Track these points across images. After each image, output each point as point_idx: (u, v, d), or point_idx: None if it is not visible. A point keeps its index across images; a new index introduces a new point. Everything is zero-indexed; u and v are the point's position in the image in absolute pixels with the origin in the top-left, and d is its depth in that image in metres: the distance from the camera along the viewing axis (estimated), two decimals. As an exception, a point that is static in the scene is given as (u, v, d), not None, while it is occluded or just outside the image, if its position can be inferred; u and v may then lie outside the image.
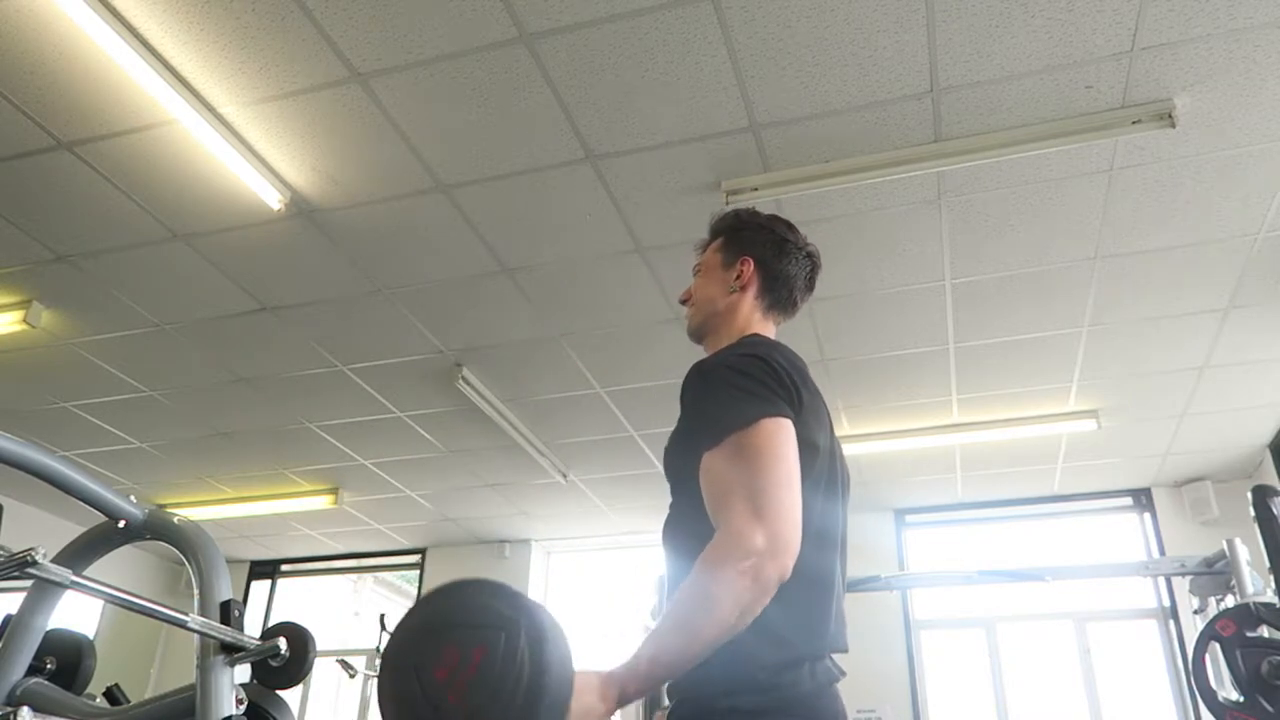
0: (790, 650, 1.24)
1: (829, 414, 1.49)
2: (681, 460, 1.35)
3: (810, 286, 1.66)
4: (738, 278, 1.59)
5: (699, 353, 1.56)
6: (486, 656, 1.00)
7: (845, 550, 1.43)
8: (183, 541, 2.13)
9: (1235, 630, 2.96)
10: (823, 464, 1.37)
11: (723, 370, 1.34)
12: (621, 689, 1.12)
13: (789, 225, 1.66)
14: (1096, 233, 3.56)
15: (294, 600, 7.90)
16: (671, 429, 1.43)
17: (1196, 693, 3.05)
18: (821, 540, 1.34)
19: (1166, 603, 5.83)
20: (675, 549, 1.36)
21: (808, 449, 1.31)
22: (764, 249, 1.61)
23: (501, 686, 0.99)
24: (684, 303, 1.67)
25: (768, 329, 1.60)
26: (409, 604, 7.37)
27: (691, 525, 1.28)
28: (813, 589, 1.30)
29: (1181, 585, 5.30)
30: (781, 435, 1.25)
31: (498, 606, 1.04)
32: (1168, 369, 4.53)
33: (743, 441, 1.24)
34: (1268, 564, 3.16)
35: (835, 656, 1.34)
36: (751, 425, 1.25)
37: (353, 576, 9.67)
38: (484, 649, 1.00)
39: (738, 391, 1.29)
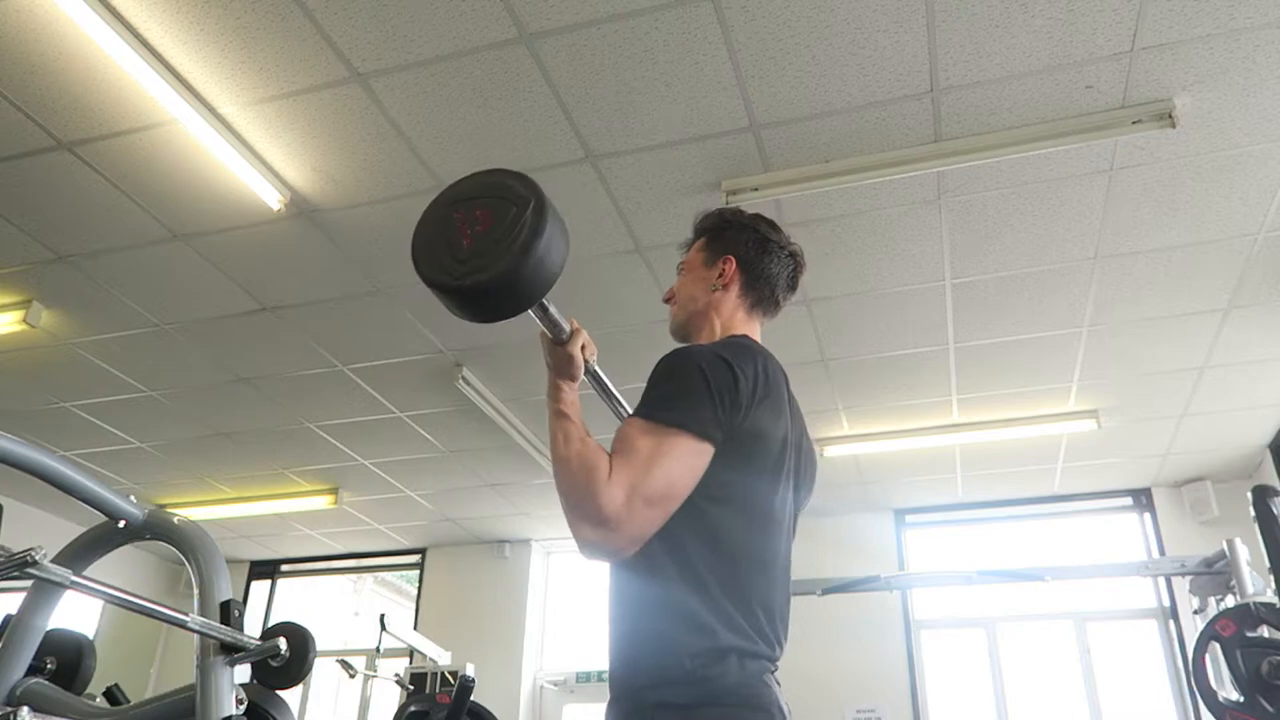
0: (715, 640, 1.25)
1: (796, 412, 1.51)
2: None
3: (793, 286, 1.67)
4: (720, 276, 1.61)
5: None
6: (492, 216, 1.24)
7: (789, 538, 1.46)
8: (183, 541, 2.12)
9: (1235, 630, 2.96)
10: (766, 456, 1.39)
11: (691, 364, 1.36)
12: (568, 387, 1.50)
13: (772, 224, 1.68)
14: (1096, 233, 3.56)
15: (294, 600, 7.89)
16: None
17: (1196, 693, 3.05)
18: (759, 538, 1.37)
19: (1166, 603, 5.83)
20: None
21: (752, 452, 1.36)
22: (746, 248, 1.63)
23: (504, 236, 1.22)
24: (667, 301, 1.69)
25: (751, 328, 1.61)
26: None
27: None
28: (746, 585, 1.32)
29: (1181, 585, 5.30)
30: (689, 456, 1.29)
31: (517, 187, 1.26)
32: (1168, 369, 4.53)
33: (661, 435, 1.29)
34: (1268, 564, 3.16)
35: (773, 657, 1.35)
36: (674, 429, 1.29)
37: (353, 576, 9.67)
38: (489, 213, 1.25)
39: (685, 391, 1.33)
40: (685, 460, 1.28)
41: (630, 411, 1.41)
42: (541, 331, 1.47)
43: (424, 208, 1.32)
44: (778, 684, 1.32)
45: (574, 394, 1.46)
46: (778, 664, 1.34)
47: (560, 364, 1.48)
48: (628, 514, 1.23)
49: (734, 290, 1.61)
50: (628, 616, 1.33)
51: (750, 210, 1.78)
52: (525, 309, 1.29)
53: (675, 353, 1.41)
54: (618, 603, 1.36)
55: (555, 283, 1.28)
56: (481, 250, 1.22)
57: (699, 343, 1.56)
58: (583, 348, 1.50)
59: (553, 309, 1.40)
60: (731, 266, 1.61)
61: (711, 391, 1.32)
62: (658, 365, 1.40)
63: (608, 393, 1.71)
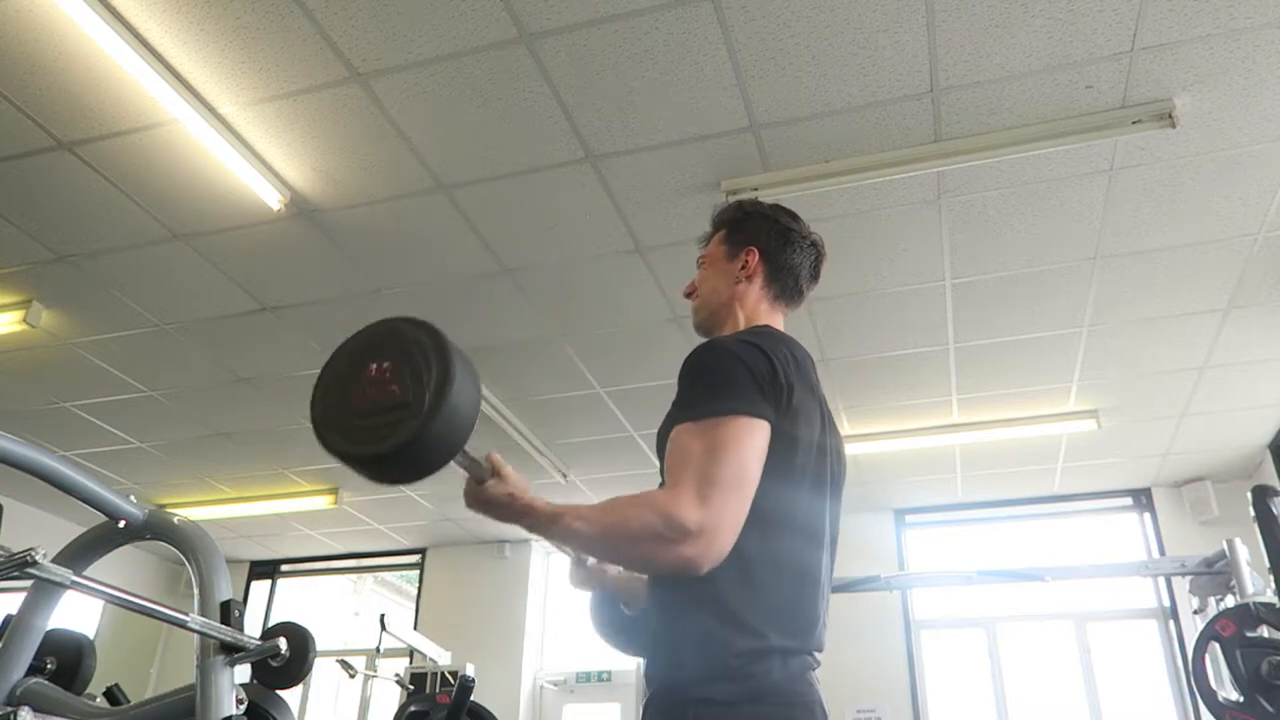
0: (762, 641, 1.25)
1: (827, 412, 1.48)
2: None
3: (815, 275, 1.66)
4: (743, 268, 1.59)
5: None
6: (397, 393, 1.16)
7: (834, 549, 1.43)
8: (183, 541, 2.12)
9: (1235, 630, 2.96)
10: (806, 461, 1.37)
11: (723, 354, 1.35)
12: (528, 507, 1.30)
13: (792, 215, 1.66)
14: (1096, 233, 3.56)
15: (294, 600, 7.89)
16: None
17: (1196, 693, 3.05)
18: (805, 539, 1.35)
19: (1166, 603, 5.83)
20: None
21: (787, 445, 1.32)
22: (768, 239, 1.61)
23: (394, 417, 1.14)
24: (689, 295, 1.67)
25: (775, 319, 1.59)
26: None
27: None
28: (793, 583, 1.31)
29: (1181, 585, 5.29)
30: (750, 436, 1.27)
31: (419, 336, 1.19)
32: (1168, 369, 4.53)
33: (714, 429, 1.26)
34: (1268, 564, 3.16)
35: (816, 654, 1.34)
36: (727, 417, 1.26)
37: (353, 576, 9.67)
38: (400, 387, 1.16)
39: (726, 380, 1.31)
40: (747, 441, 1.26)
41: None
42: (466, 480, 1.35)
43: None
44: (818, 682, 1.32)
45: (530, 499, 1.31)
46: (819, 661, 1.34)
47: (494, 502, 1.33)
48: (712, 512, 1.19)
49: (757, 282, 1.59)
50: (671, 613, 1.32)
51: None
52: (443, 466, 1.20)
53: (703, 347, 1.38)
54: (661, 600, 1.34)
55: (472, 431, 1.20)
56: (386, 412, 1.15)
57: (723, 334, 1.54)
58: (505, 478, 1.35)
59: (470, 452, 1.28)
60: (755, 258, 1.59)
61: (751, 373, 1.31)
62: (687, 362, 1.37)
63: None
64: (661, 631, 1.33)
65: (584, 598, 1.74)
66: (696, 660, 1.24)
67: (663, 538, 1.18)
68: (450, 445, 1.18)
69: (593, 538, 1.25)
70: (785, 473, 1.31)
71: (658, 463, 1.41)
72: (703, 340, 1.47)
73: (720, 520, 1.20)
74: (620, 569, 1.62)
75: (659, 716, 1.26)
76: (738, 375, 1.30)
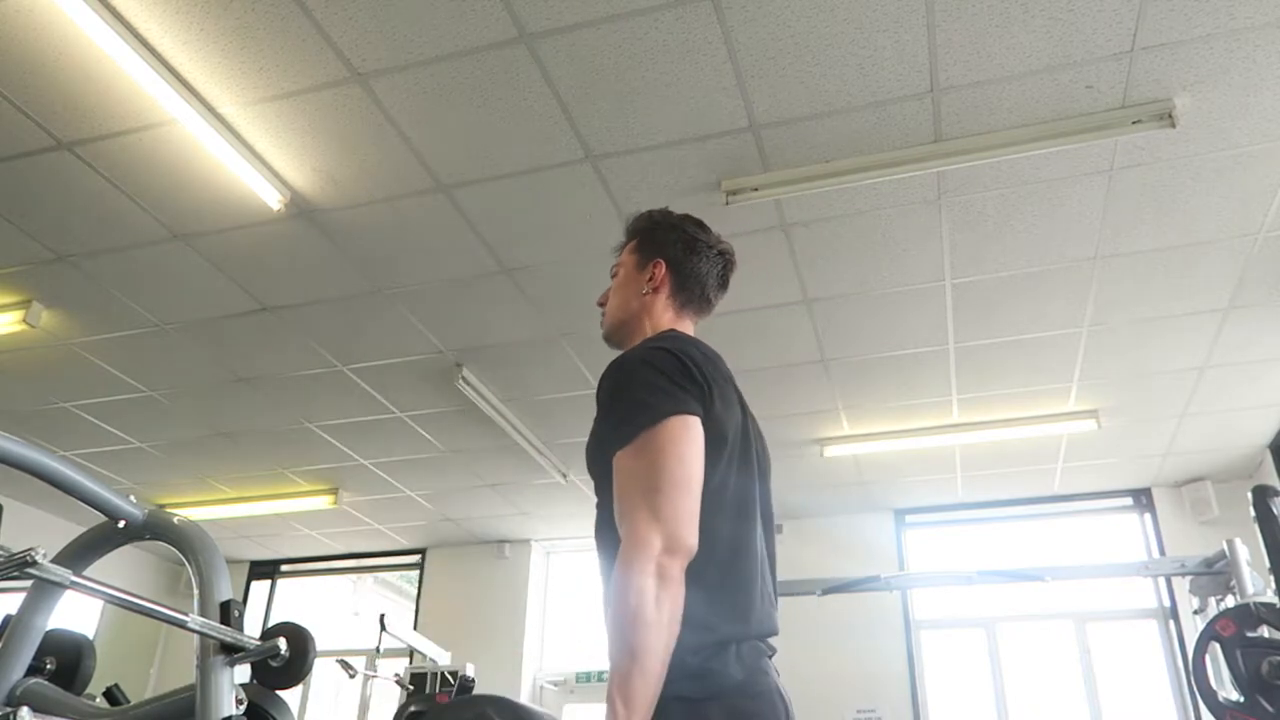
0: (712, 634, 1.27)
1: (741, 398, 1.51)
2: (600, 460, 1.39)
3: (723, 284, 1.69)
4: (650, 279, 1.63)
5: None
6: None
7: (770, 530, 1.46)
8: (183, 541, 2.12)
9: (1235, 630, 2.96)
10: (732, 449, 1.40)
11: (635, 365, 1.38)
12: None
13: (699, 224, 1.70)
14: (1096, 233, 3.56)
15: (294, 600, 7.89)
16: None
17: (1196, 693, 3.05)
18: (740, 521, 1.38)
19: (1166, 603, 5.83)
20: (606, 551, 1.38)
21: (717, 432, 1.36)
22: (675, 249, 1.65)
23: None
24: (600, 305, 1.71)
25: (684, 327, 1.62)
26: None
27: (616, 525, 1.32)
28: (731, 574, 1.34)
29: (1181, 585, 5.30)
30: (685, 434, 1.30)
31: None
32: (1168, 369, 4.53)
33: (648, 441, 1.29)
34: (1268, 564, 3.16)
35: (769, 640, 1.37)
36: (658, 424, 1.29)
37: (353, 576, 9.66)
38: None
39: (646, 388, 1.33)
40: (683, 439, 1.29)
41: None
42: None
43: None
44: (776, 671, 1.34)
45: None
46: (773, 643, 1.37)
47: None
48: (667, 520, 1.22)
49: (664, 292, 1.63)
50: None
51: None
52: None
53: (614, 367, 1.42)
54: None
55: None
56: None
57: (632, 345, 1.58)
58: None
59: None
60: (661, 269, 1.63)
61: (668, 377, 1.34)
62: (603, 381, 1.41)
63: None
64: None
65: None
66: None
67: (654, 576, 1.19)
68: None
69: (649, 663, 1.16)
70: (712, 464, 1.34)
71: (593, 482, 1.44)
72: (613, 351, 1.51)
73: (676, 525, 1.23)
74: None
75: None
76: (656, 381, 1.33)
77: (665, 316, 1.62)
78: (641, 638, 1.17)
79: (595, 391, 1.42)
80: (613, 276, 1.72)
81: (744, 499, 1.41)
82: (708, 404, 1.35)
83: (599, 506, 1.43)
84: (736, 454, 1.41)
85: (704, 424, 1.33)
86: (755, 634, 1.33)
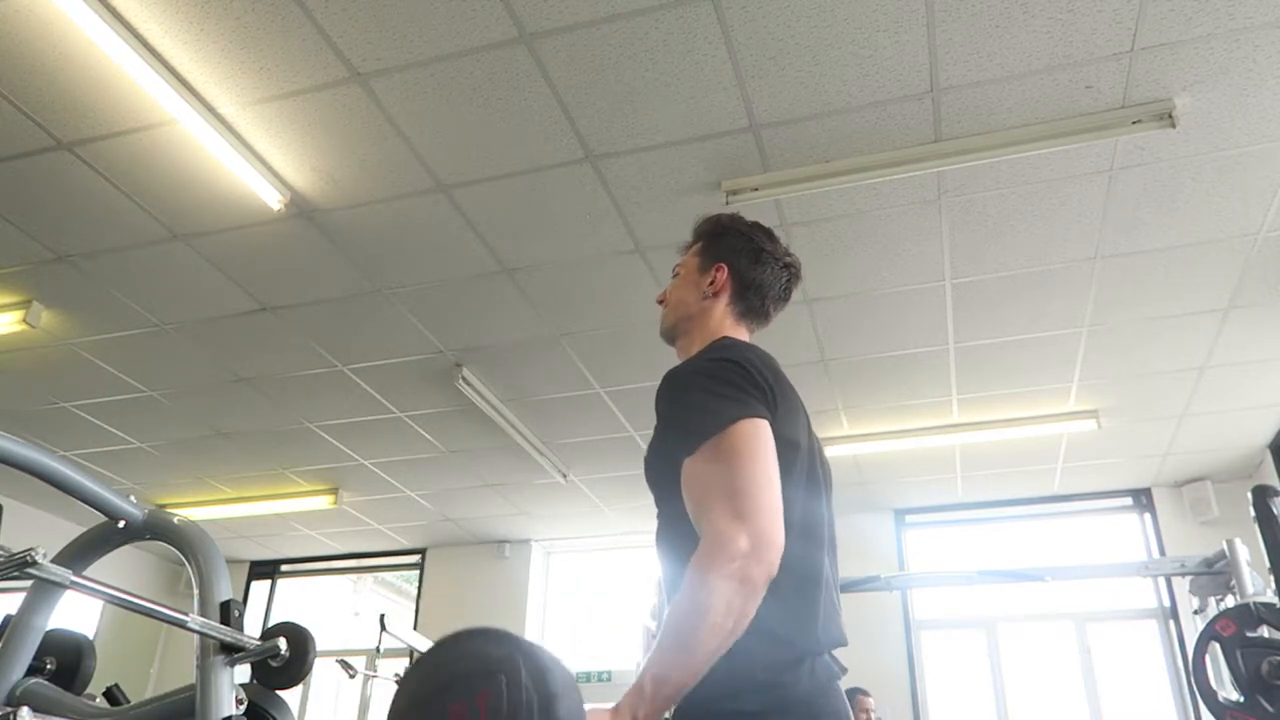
0: (788, 649, 1.24)
1: (806, 413, 1.49)
2: (662, 469, 1.35)
3: (785, 297, 1.65)
4: (711, 284, 1.60)
5: None
6: (491, 700, 0.99)
7: (834, 546, 1.43)
8: (183, 541, 2.12)
9: (1235, 630, 2.95)
10: (802, 461, 1.37)
11: (696, 376, 1.35)
12: (632, 717, 1.12)
13: (769, 234, 1.65)
14: (1096, 233, 3.56)
15: (294, 600, 7.89)
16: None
17: (1196, 693, 3.05)
18: (807, 536, 1.35)
19: (1166, 603, 5.83)
20: (669, 556, 1.36)
21: (787, 447, 1.32)
22: (740, 256, 1.61)
23: None
24: (660, 303, 1.68)
25: (740, 335, 1.60)
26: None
27: (682, 528, 1.29)
28: (803, 585, 1.31)
29: (1181, 585, 5.30)
30: (758, 436, 1.26)
31: (490, 650, 1.03)
32: (1168, 369, 4.53)
33: (720, 445, 1.25)
34: (1268, 564, 3.16)
35: (836, 652, 1.34)
36: (727, 428, 1.26)
37: (353, 576, 9.67)
38: (487, 694, 1.00)
39: (711, 396, 1.30)
40: (755, 441, 1.25)
41: None
42: None
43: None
44: (841, 692, 1.31)
45: (629, 708, 1.13)
46: (844, 668, 1.34)
47: None
48: (753, 521, 1.17)
49: (724, 298, 1.60)
50: None
51: (750, 211, 1.77)
52: None
53: (672, 376, 1.38)
54: None
55: None
56: None
57: (689, 346, 1.57)
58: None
59: None
60: (723, 275, 1.60)
61: (731, 384, 1.31)
62: (662, 396, 1.37)
63: None
64: None
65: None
66: (724, 672, 1.21)
67: (733, 578, 1.14)
68: None
69: (697, 653, 1.13)
70: (785, 477, 1.31)
71: (652, 495, 1.41)
72: (669, 349, 1.49)
73: (763, 522, 1.18)
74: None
75: None
76: (719, 389, 1.30)
77: (725, 323, 1.59)
78: (701, 638, 1.13)
79: (654, 403, 1.38)
80: (674, 275, 1.68)
81: (814, 521, 1.37)
82: (773, 410, 1.31)
83: (660, 516, 1.40)
84: (804, 470, 1.38)
85: (772, 429, 1.29)
86: (828, 647, 1.29)
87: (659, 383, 1.39)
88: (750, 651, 1.21)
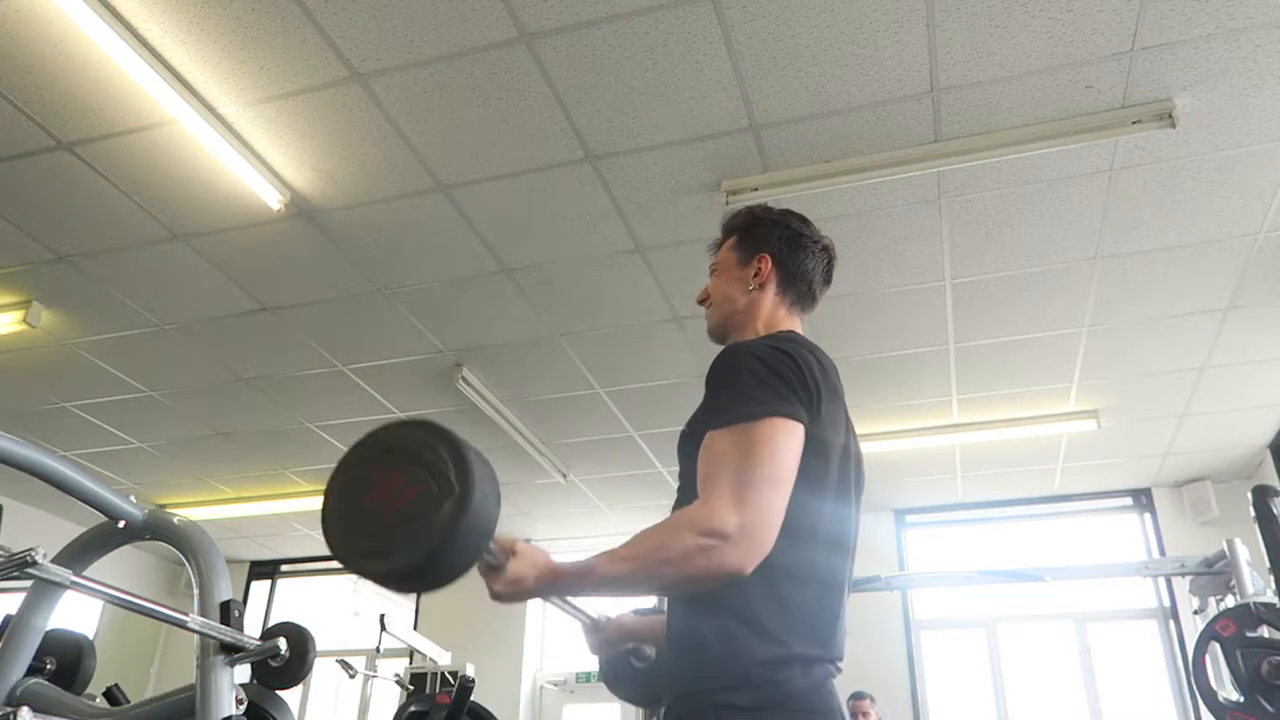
0: (785, 649, 1.24)
1: (849, 419, 1.47)
2: (692, 444, 1.34)
3: (828, 280, 1.64)
4: (755, 275, 1.57)
5: (703, 353, 1.55)
6: (417, 497, 1.11)
7: (854, 557, 1.43)
8: (183, 541, 2.13)
9: (1235, 630, 2.96)
10: (835, 466, 1.36)
11: (750, 358, 1.33)
12: (554, 572, 1.23)
13: (803, 219, 1.64)
14: (1096, 233, 3.56)
15: (294, 600, 7.89)
16: (674, 428, 1.43)
17: (1196, 693, 3.05)
18: (830, 546, 1.34)
19: (1166, 603, 5.83)
20: None
21: (822, 451, 1.32)
22: (780, 245, 1.59)
23: (421, 522, 1.09)
24: (702, 303, 1.65)
25: (794, 324, 1.57)
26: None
27: None
28: (818, 593, 1.30)
29: (1181, 585, 5.29)
30: (785, 437, 1.25)
31: (447, 459, 1.13)
32: (1168, 369, 4.53)
33: (747, 432, 1.24)
34: (1268, 564, 3.16)
35: (837, 662, 1.33)
36: (760, 419, 1.25)
37: (353, 576, 9.66)
38: (417, 489, 1.11)
39: (757, 382, 1.29)
40: (782, 440, 1.24)
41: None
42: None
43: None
44: (837, 691, 1.31)
45: (555, 565, 1.25)
46: (840, 670, 1.33)
47: (518, 583, 1.24)
48: (749, 512, 1.17)
49: (771, 288, 1.57)
50: (694, 618, 1.30)
51: None
52: (463, 574, 1.15)
53: (729, 351, 1.37)
54: (684, 602, 1.33)
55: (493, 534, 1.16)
56: (403, 527, 1.10)
57: (740, 340, 1.51)
58: (519, 554, 1.25)
59: (493, 547, 1.20)
60: (767, 265, 1.57)
61: (782, 378, 1.29)
62: (714, 368, 1.35)
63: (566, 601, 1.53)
64: (684, 635, 1.31)
65: (596, 657, 1.77)
66: (719, 666, 1.23)
67: (704, 550, 1.15)
68: (483, 530, 1.13)
69: (632, 574, 1.19)
70: (814, 481, 1.30)
71: (679, 465, 1.40)
72: (720, 347, 1.45)
73: (758, 519, 1.18)
74: (636, 623, 1.63)
75: None
76: (769, 377, 1.29)
77: (778, 314, 1.56)
78: (641, 568, 1.18)
79: (705, 377, 1.36)
80: (711, 274, 1.66)
81: (841, 529, 1.37)
82: (814, 414, 1.30)
83: (680, 490, 1.39)
84: (835, 477, 1.36)
85: (806, 433, 1.28)
86: (829, 657, 1.29)
87: (714, 358, 1.38)
88: (747, 647, 1.22)
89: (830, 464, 1.35)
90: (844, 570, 1.37)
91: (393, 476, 1.13)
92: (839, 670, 1.32)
